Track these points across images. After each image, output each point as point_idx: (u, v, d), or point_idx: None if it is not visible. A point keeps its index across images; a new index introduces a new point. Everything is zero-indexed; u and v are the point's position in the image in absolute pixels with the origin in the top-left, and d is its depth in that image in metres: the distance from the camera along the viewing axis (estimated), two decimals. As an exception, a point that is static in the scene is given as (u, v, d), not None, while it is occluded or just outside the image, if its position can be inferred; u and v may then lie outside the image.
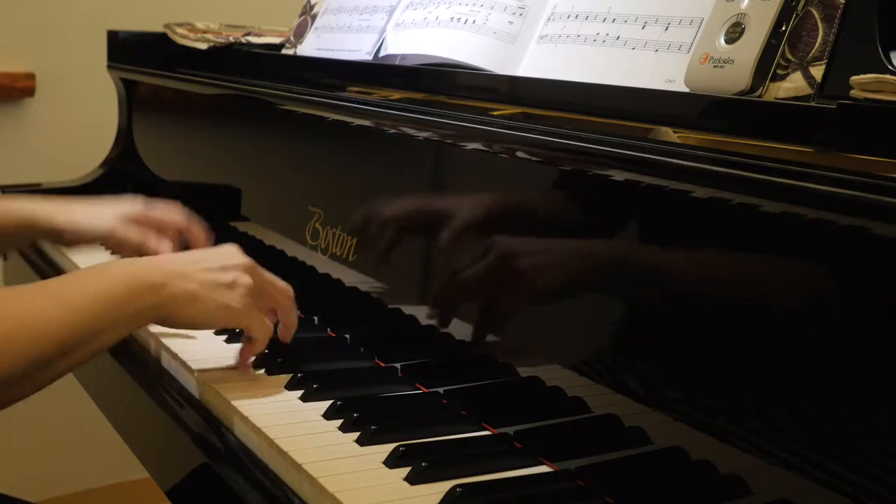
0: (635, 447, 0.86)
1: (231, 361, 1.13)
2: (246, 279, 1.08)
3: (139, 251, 1.31)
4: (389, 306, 1.20)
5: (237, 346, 1.20)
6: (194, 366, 1.12)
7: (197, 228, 1.38)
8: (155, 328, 1.24)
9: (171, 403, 1.09)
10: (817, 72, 0.80)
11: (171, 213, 1.38)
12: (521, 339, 1.01)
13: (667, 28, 0.96)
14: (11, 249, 1.46)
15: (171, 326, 1.06)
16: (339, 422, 0.99)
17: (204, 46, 1.66)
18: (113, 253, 1.48)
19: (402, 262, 1.19)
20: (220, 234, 1.69)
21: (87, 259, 1.60)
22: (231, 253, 1.11)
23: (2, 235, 1.35)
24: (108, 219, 1.32)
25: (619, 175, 0.88)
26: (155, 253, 1.30)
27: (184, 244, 1.38)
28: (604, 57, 1.01)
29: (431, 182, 1.19)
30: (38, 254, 1.75)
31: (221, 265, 1.07)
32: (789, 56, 0.83)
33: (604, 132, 0.89)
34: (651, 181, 0.84)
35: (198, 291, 1.03)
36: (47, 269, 1.66)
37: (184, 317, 1.03)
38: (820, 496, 0.71)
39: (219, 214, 1.68)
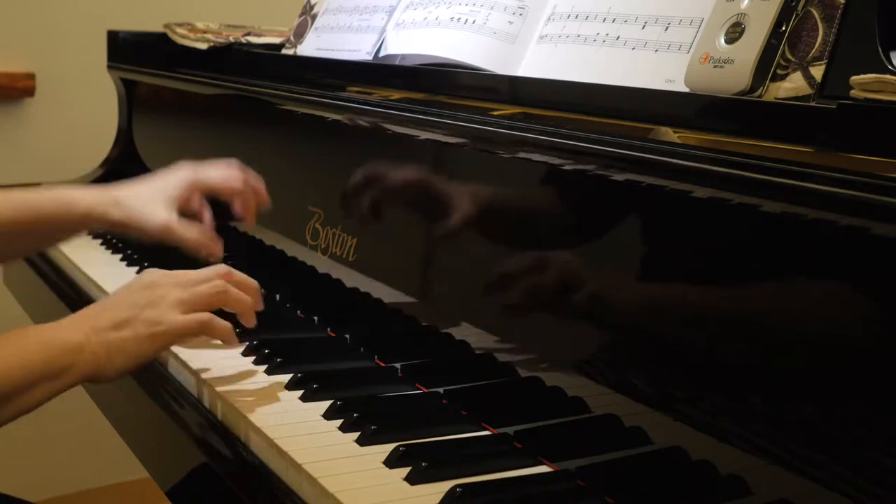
0: (635, 447, 0.86)
1: (231, 361, 1.13)
2: (162, 295, 1.03)
3: (197, 249, 1.27)
4: (389, 306, 1.20)
5: (238, 346, 1.21)
6: (194, 365, 1.12)
7: (256, 187, 1.33)
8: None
9: (170, 403, 1.09)
10: (817, 72, 0.80)
11: (225, 176, 1.33)
12: (521, 339, 1.01)
13: (667, 28, 0.96)
14: (53, 242, 1.39)
15: (107, 380, 1.00)
16: (339, 422, 0.99)
17: (204, 46, 1.66)
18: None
19: (402, 262, 1.19)
20: (221, 234, 1.69)
21: (85, 258, 1.60)
22: (141, 281, 1.06)
23: (43, 228, 1.28)
24: (160, 214, 1.25)
25: (619, 175, 0.88)
26: (213, 254, 1.25)
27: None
28: (604, 57, 1.01)
29: (431, 182, 1.19)
30: (39, 254, 1.75)
31: (129, 302, 1.02)
32: (789, 56, 0.83)
33: (604, 132, 0.89)
34: (651, 181, 0.84)
35: (115, 338, 0.99)
36: (47, 268, 1.66)
37: (113, 368, 0.99)
38: (820, 496, 0.71)
39: (219, 214, 1.68)
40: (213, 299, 1.06)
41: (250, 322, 1.10)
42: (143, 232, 1.26)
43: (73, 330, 0.99)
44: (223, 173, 1.33)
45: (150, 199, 1.27)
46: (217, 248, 1.27)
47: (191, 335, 1.05)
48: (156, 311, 1.02)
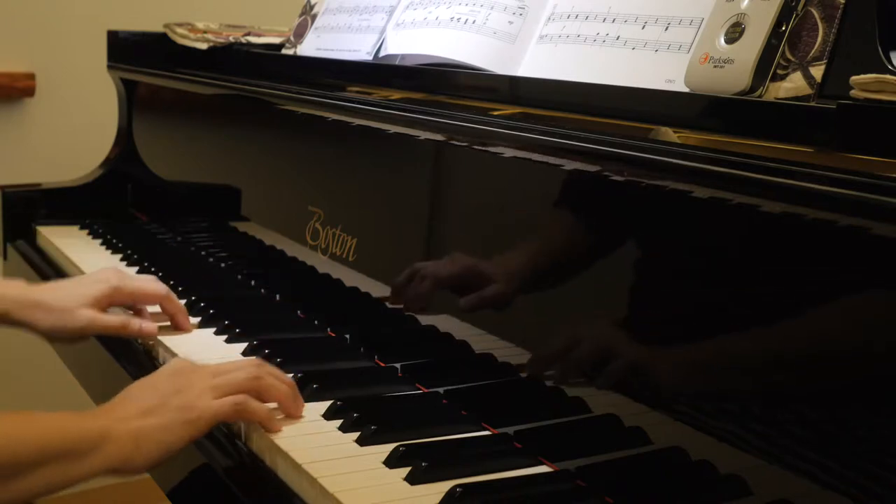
0: (635, 447, 0.86)
1: (230, 360, 1.13)
2: (192, 380, 0.98)
3: (122, 333, 1.24)
4: (389, 306, 1.20)
5: (237, 346, 1.21)
6: (194, 366, 1.12)
7: (174, 304, 1.29)
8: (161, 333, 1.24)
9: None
10: (817, 72, 0.80)
11: (148, 284, 1.29)
12: (520, 339, 1.01)
13: (667, 28, 0.96)
14: None
15: (137, 471, 0.94)
16: (339, 422, 0.99)
17: (204, 46, 1.66)
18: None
19: (402, 262, 1.19)
20: (221, 234, 1.70)
21: (85, 258, 1.60)
22: (167, 369, 1.02)
23: None
24: (83, 314, 1.22)
25: (619, 175, 0.88)
26: (139, 332, 1.23)
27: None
28: (604, 57, 1.01)
29: (431, 182, 1.19)
30: (39, 254, 1.75)
31: (156, 388, 0.97)
32: (789, 56, 0.83)
33: (604, 132, 0.89)
34: (651, 181, 0.84)
35: (144, 426, 0.93)
36: (47, 268, 1.66)
37: (142, 458, 0.93)
38: (820, 496, 0.71)
39: (219, 214, 1.69)
40: (245, 385, 0.99)
41: (296, 412, 1.01)
42: (64, 332, 1.22)
43: (96, 417, 0.94)
44: (145, 280, 1.31)
45: (72, 302, 1.22)
46: (151, 326, 1.25)
47: (226, 420, 0.99)
48: (186, 396, 0.96)
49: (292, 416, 1.00)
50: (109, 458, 0.92)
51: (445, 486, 0.86)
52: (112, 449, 0.91)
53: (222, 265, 1.60)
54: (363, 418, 0.97)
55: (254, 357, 1.06)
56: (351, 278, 1.27)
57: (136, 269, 1.54)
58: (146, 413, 0.94)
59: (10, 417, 0.91)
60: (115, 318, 1.24)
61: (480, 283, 1.04)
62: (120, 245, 1.68)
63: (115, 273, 1.29)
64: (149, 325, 1.25)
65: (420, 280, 1.14)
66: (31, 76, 2.29)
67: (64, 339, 1.25)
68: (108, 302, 1.25)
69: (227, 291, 1.48)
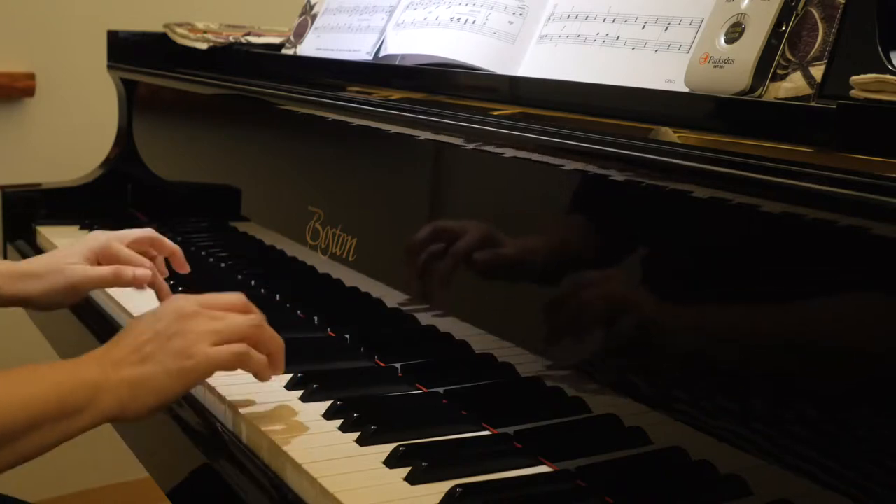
0: (635, 447, 0.86)
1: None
2: (192, 325, 0.94)
3: (115, 282, 1.23)
4: (389, 306, 1.20)
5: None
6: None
7: (158, 279, 1.25)
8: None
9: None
10: (817, 72, 0.80)
11: (134, 256, 1.25)
12: (521, 339, 1.01)
13: (667, 28, 0.96)
14: None
15: (134, 419, 0.92)
16: (339, 422, 0.99)
17: (204, 46, 1.66)
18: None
19: (402, 262, 1.19)
20: (221, 234, 1.70)
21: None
22: (168, 307, 0.97)
23: None
24: (73, 270, 1.21)
25: (619, 175, 0.88)
26: (132, 280, 1.21)
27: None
28: (604, 57, 1.01)
29: (431, 182, 1.19)
30: (39, 254, 1.75)
31: (155, 330, 0.94)
32: (789, 56, 0.83)
33: (604, 132, 0.89)
34: (651, 181, 0.84)
35: (139, 374, 0.90)
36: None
37: (139, 406, 0.91)
38: (820, 496, 0.71)
39: (219, 214, 1.69)
40: (247, 332, 0.97)
41: (280, 369, 1.00)
42: (58, 293, 1.21)
43: (90, 366, 0.91)
44: (139, 233, 1.28)
45: (61, 262, 1.22)
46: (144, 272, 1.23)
47: (225, 369, 0.96)
48: (185, 341, 0.93)
49: (278, 371, 1.00)
50: (104, 410, 0.90)
51: (445, 486, 0.86)
52: (107, 399, 0.89)
53: (222, 265, 1.60)
54: (363, 418, 0.97)
55: (241, 294, 1.02)
56: (351, 278, 1.27)
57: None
58: (143, 359, 0.92)
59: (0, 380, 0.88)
60: (106, 269, 1.22)
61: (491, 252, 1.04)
62: (120, 245, 1.68)
63: (103, 234, 1.28)
64: (142, 272, 1.22)
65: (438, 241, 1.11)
66: (31, 76, 2.29)
67: (59, 301, 1.23)
68: (95, 260, 1.24)
69: (227, 291, 1.47)
